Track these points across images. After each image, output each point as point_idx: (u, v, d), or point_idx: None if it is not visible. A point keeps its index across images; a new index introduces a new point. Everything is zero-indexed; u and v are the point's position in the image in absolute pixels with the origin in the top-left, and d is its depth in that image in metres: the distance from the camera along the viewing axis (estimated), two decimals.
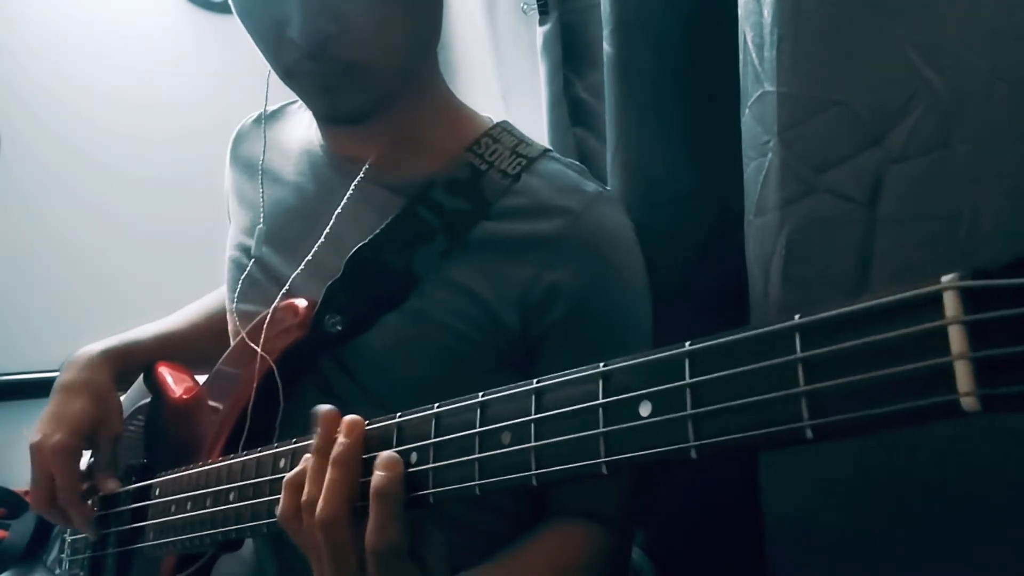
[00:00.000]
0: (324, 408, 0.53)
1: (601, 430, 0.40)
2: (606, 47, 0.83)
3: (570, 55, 1.00)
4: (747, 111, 0.61)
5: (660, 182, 0.80)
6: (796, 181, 0.56)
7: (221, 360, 0.77)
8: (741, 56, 0.62)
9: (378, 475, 0.48)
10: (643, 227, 0.75)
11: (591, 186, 0.72)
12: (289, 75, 0.67)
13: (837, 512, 0.58)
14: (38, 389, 1.53)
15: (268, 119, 0.87)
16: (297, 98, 0.86)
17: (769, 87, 0.57)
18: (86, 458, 0.81)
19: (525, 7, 1.11)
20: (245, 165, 0.86)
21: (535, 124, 1.06)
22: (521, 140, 0.75)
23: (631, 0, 0.80)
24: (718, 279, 0.75)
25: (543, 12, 1.02)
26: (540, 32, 1.03)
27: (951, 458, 0.50)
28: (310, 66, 0.64)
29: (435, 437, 0.48)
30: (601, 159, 0.93)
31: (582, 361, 0.42)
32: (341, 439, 0.51)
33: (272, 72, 0.69)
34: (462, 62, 1.41)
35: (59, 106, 1.67)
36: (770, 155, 0.58)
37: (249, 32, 0.67)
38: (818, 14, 0.53)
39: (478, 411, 0.46)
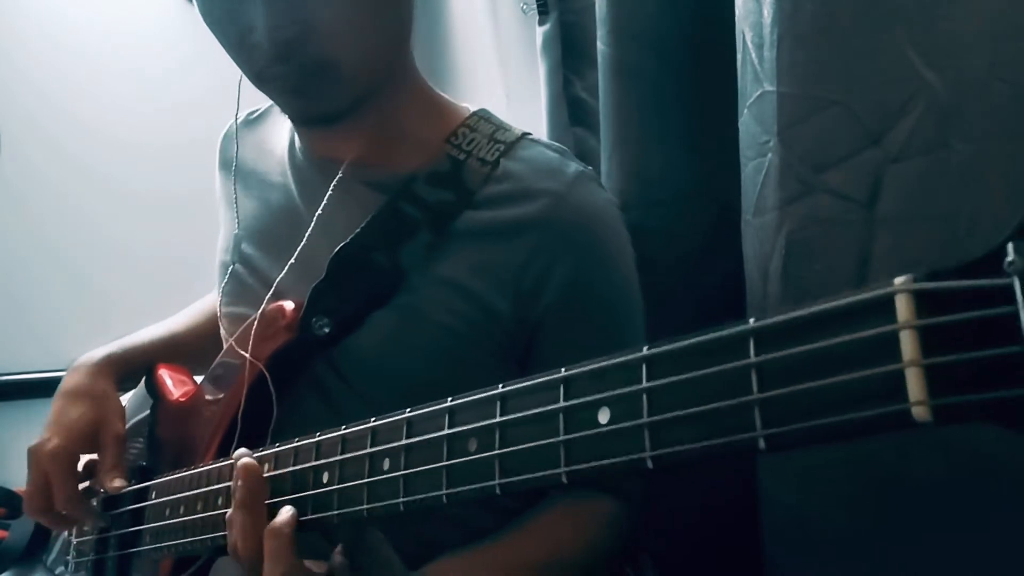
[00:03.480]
0: (240, 456, 0.57)
1: (561, 438, 0.39)
2: (601, 47, 0.83)
3: (569, 55, 1.00)
4: (746, 111, 0.61)
5: (657, 182, 0.80)
6: (795, 181, 0.56)
7: (215, 363, 0.77)
8: (740, 56, 0.62)
9: (278, 518, 0.53)
10: (640, 227, 0.75)
11: (572, 166, 0.72)
12: (260, 80, 0.67)
13: (835, 512, 0.58)
14: (38, 389, 1.54)
15: (252, 122, 0.87)
16: None
17: (769, 87, 0.57)
18: (83, 460, 0.81)
19: (524, 7, 1.11)
20: (230, 168, 0.86)
21: (536, 124, 1.06)
22: (499, 127, 0.75)
23: (627, 0, 0.80)
24: (717, 279, 0.75)
25: (542, 12, 1.02)
26: (539, 32, 1.03)
27: (950, 458, 0.50)
28: (278, 69, 0.64)
29: (405, 442, 0.48)
30: (600, 158, 0.93)
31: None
32: (239, 484, 0.55)
33: (242, 80, 0.69)
34: (464, 62, 1.41)
35: (59, 108, 1.66)
36: (769, 155, 0.57)
37: (219, 41, 0.67)
38: (817, 14, 0.53)
39: (446, 417, 0.46)
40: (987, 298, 0.26)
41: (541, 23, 1.03)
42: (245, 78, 0.69)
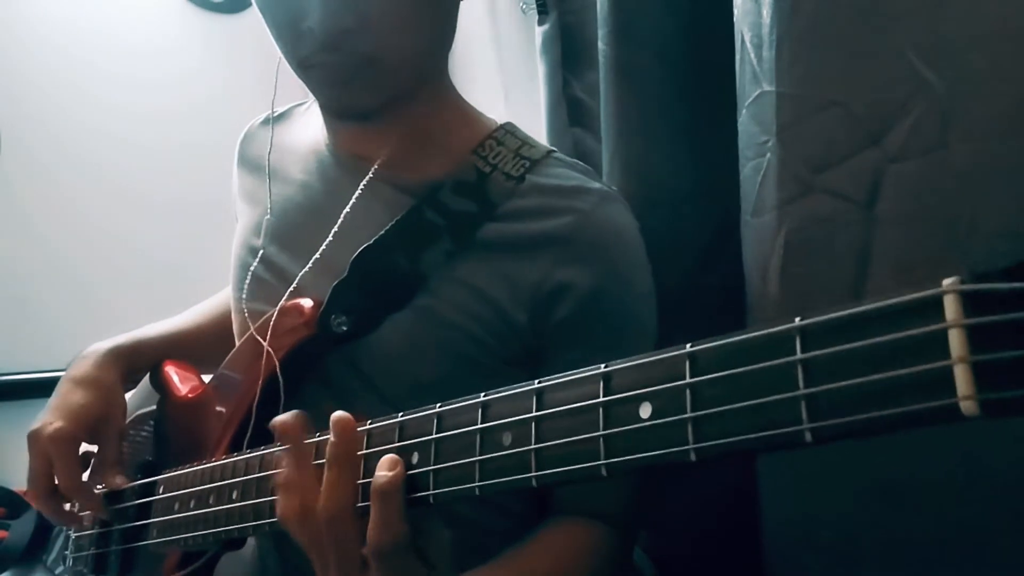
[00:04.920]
0: (336, 414, 0.53)
1: (601, 432, 0.39)
2: (601, 47, 0.83)
3: (569, 55, 1.00)
4: (744, 111, 0.61)
5: (658, 182, 0.80)
6: (794, 181, 0.56)
7: (227, 359, 0.77)
8: (738, 56, 0.62)
9: (380, 475, 0.49)
10: (641, 228, 0.75)
11: (597, 185, 0.73)
12: (304, 67, 0.68)
13: (835, 514, 0.59)
14: (38, 389, 1.54)
15: (276, 120, 0.87)
16: (305, 100, 0.87)
17: (767, 87, 0.57)
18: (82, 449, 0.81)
19: (524, 7, 1.12)
20: (252, 165, 0.86)
21: (535, 124, 1.06)
22: (525, 142, 0.75)
23: (628, 0, 0.80)
24: (717, 280, 0.75)
25: (542, 12, 1.02)
26: (539, 32, 1.03)
27: (950, 461, 0.50)
28: (326, 58, 0.65)
29: (436, 435, 0.48)
30: (599, 159, 0.93)
31: (589, 360, 0.42)
32: (331, 439, 0.51)
33: (280, 70, 0.70)
34: (462, 62, 1.41)
35: (59, 109, 1.66)
36: (768, 155, 0.58)
37: (267, 22, 0.68)
38: (817, 14, 0.53)
39: (479, 411, 0.46)
40: None
41: (540, 23, 1.03)
42: (278, 76, 0.71)
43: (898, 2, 0.49)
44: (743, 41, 0.60)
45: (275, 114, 0.88)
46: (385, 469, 0.49)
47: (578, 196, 0.71)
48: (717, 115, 0.70)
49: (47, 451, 0.74)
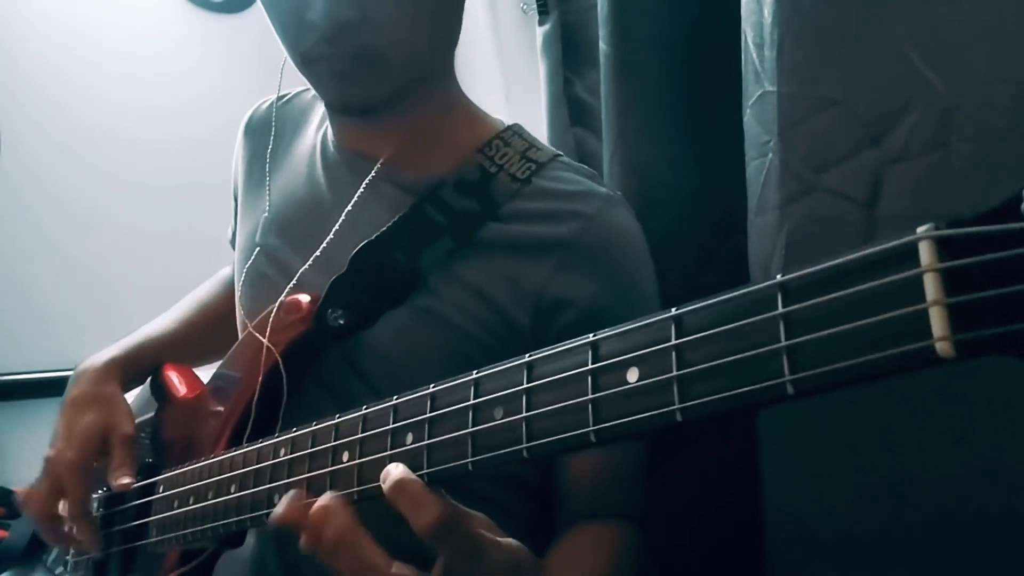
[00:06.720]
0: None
1: (589, 397, 0.40)
2: (603, 46, 0.83)
3: (570, 55, 1.00)
4: (748, 111, 0.61)
5: (658, 181, 0.80)
6: (796, 181, 0.56)
7: (227, 356, 0.77)
8: (743, 56, 0.62)
9: (386, 481, 0.47)
10: (642, 228, 0.75)
11: (602, 190, 0.73)
12: (305, 61, 0.68)
13: (837, 512, 0.59)
14: (39, 389, 1.54)
15: (281, 106, 0.87)
16: (310, 87, 0.87)
17: (769, 87, 0.57)
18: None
19: (525, 7, 1.12)
20: (256, 152, 0.86)
21: (536, 124, 1.06)
22: (531, 144, 0.75)
23: (629, 0, 0.80)
24: (718, 278, 0.76)
25: (543, 12, 1.02)
26: (540, 32, 1.04)
27: (952, 459, 0.50)
28: (327, 51, 0.65)
29: (429, 415, 0.48)
30: (601, 159, 0.94)
31: None
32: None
33: (286, 63, 0.70)
34: (463, 61, 1.41)
35: (58, 107, 1.66)
36: (770, 155, 0.58)
37: (269, 16, 0.68)
38: (818, 14, 0.53)
39: (472, 388, 0.46)
40: (1005, 241, 0.27)
41: (541, 23, 1.03)
42: (287, 67, 0.70)
43: (899, 2, 0.50)
44: (746, 41, 0.60)
45: (280, 101, 0.87)
46: (383, 478, 0.48)
47: (582, 200, 0.71)
48: (718, 114, 0.70)
49: (60, 478, 0.74)
